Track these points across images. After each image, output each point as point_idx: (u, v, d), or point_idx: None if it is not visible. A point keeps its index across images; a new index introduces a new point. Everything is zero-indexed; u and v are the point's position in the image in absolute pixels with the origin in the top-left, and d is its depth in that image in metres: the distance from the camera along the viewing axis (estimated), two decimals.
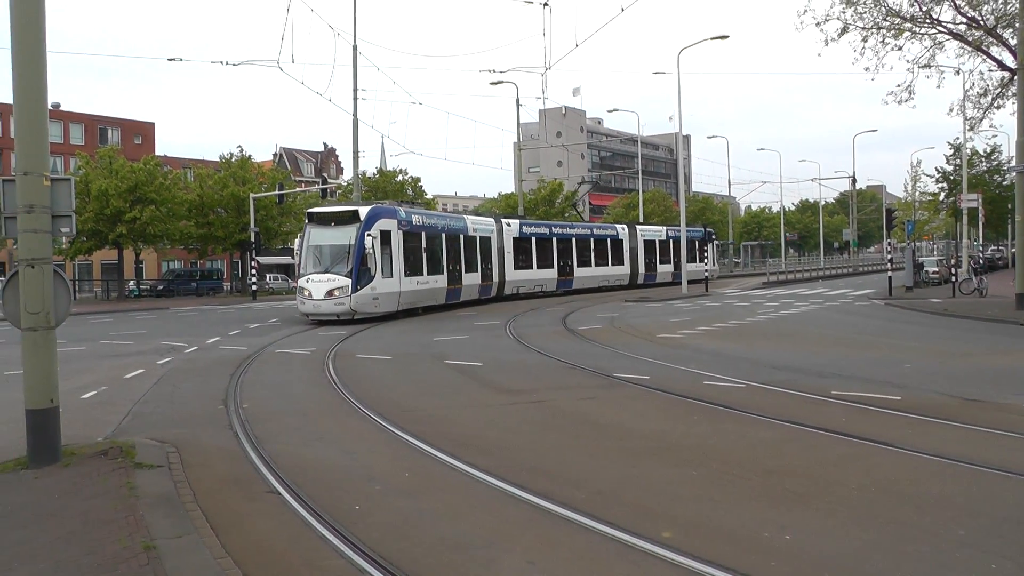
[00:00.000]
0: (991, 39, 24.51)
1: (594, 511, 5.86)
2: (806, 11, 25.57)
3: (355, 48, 33.10)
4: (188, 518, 5.77)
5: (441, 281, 28.04)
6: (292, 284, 46.62)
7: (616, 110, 70.80)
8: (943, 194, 54.37)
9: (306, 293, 23.81)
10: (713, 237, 49.71)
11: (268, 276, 53.94)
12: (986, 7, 24.50)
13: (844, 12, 25.01)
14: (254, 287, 42.86)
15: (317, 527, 5.72)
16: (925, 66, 25.46)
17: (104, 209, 41.15)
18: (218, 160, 52.00)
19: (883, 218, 43.75)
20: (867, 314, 24.66)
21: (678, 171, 47.88)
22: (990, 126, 46.37)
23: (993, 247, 75.33)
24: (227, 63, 35.02)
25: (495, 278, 32.48)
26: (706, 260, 43.03)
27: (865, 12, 24.94)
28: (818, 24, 25.43)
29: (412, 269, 26.00)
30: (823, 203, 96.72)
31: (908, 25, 24.90)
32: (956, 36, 25.02)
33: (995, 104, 26.62)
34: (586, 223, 47.81)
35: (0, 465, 7.39)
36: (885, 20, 24.94)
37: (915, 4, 24.73)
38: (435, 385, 12.32)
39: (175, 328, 23.51)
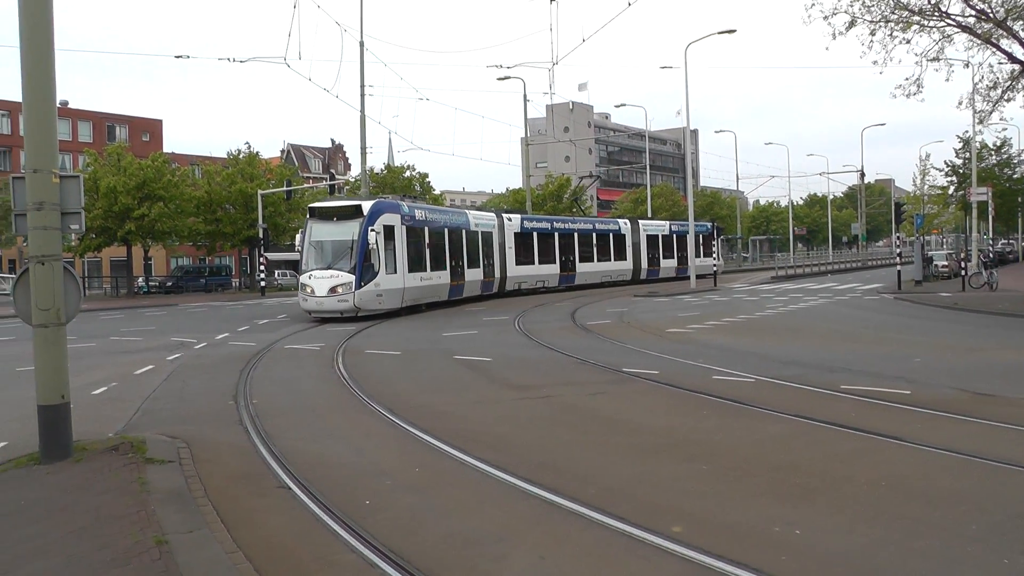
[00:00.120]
0: (1001, 31, 24.31)
1: (603, 506, 5.86)
2: (813, 5, 25.18)
3: (362, 44, 33.53)
4: (199, 513, 5.80)
5: (444, 277, 27.57)
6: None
7: (624, 105, 70.15)
8: (952, 188, 54.02)
9: (308, 290, 23.14)
10: (720, 232, 49.57)
11: (277, 272, 54.08)
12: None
13: (852, 5, 24.82)
14: (263, 283, 42.95)
15: (328, 522, 5.74)
16: (934, 59, 25.26)
17: (113, 206, 41.30)
18: (226, 157, 52.25)
19: (892, 212, 43.53)
20: (876, 309, 24.57)
21: (686, 165, 47.71)
22: (1000, 119, 45.86)
23: (1003, 241, 74.92)
24: (234, 60, 35.39)
25: (497, 274, 32.13)
26: (713, 254, 42.93)
27: (873, 5, 24.75)
28: (826, 18, 25.25)
29: (416, 265, 25.57)
30: (831, 197, 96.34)
31: (916, 18, 24.70)
32: (965, 29, 24.83)
33: (1005, 97, 26.43)
34: (588, 218, 47.50)
35: (13, 461, 7.46)
36: (893, 13, 24.76)
37: None
38: (444, 381, 12.33)
39: (184, 324, 23.59)
